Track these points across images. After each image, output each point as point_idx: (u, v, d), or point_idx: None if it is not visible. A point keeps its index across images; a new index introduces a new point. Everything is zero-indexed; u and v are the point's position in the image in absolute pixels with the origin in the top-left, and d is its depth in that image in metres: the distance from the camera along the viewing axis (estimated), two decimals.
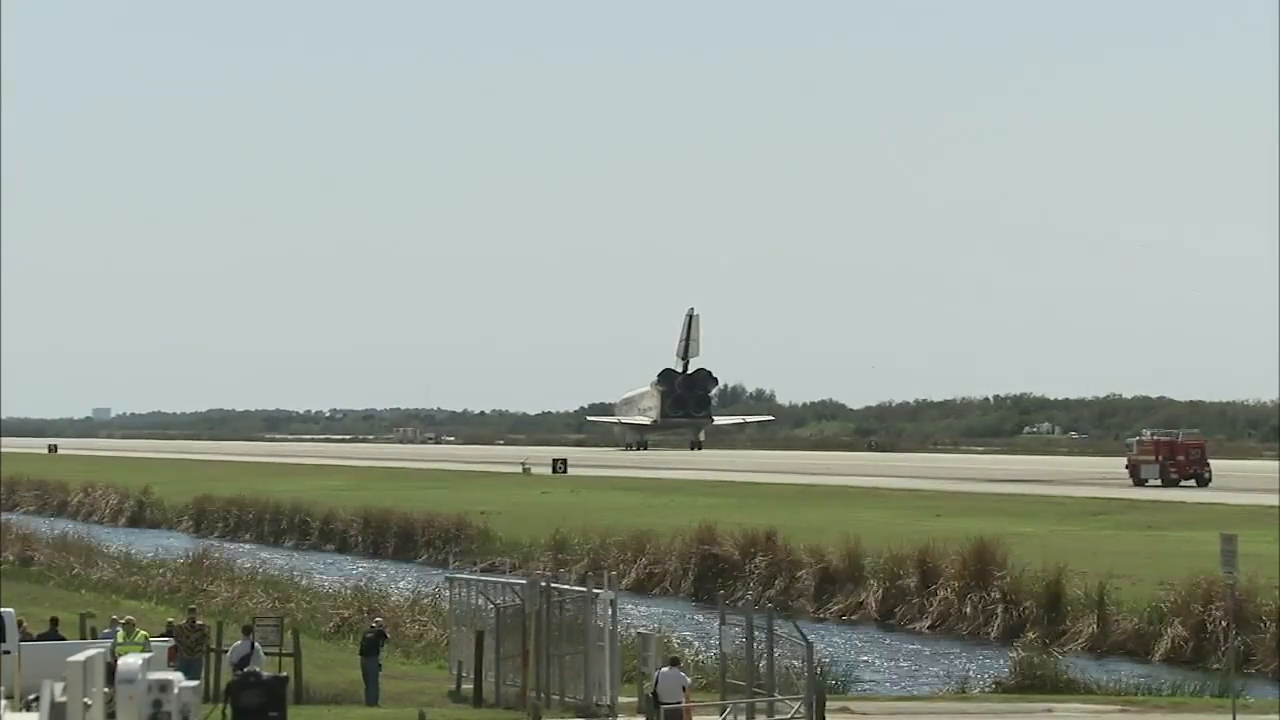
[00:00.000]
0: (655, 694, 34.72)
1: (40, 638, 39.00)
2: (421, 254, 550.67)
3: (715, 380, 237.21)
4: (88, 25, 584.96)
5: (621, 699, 38.65)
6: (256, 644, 41.39)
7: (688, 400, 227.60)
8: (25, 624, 39.54)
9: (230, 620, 51.48)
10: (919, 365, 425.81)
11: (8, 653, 35.07)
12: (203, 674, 40.75)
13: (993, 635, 59.85)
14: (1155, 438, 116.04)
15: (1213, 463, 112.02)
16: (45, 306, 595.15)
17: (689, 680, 36.29)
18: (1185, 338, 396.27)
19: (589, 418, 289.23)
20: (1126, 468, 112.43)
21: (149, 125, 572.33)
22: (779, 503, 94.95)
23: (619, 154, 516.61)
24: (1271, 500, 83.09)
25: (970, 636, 60.93)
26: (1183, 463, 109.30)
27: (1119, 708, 41.66)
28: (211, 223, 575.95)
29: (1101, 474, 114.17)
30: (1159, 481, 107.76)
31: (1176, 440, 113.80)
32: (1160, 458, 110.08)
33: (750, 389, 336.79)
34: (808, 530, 76.64)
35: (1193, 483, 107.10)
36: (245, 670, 24.37)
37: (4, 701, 24.02)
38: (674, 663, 35.91)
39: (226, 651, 42.36)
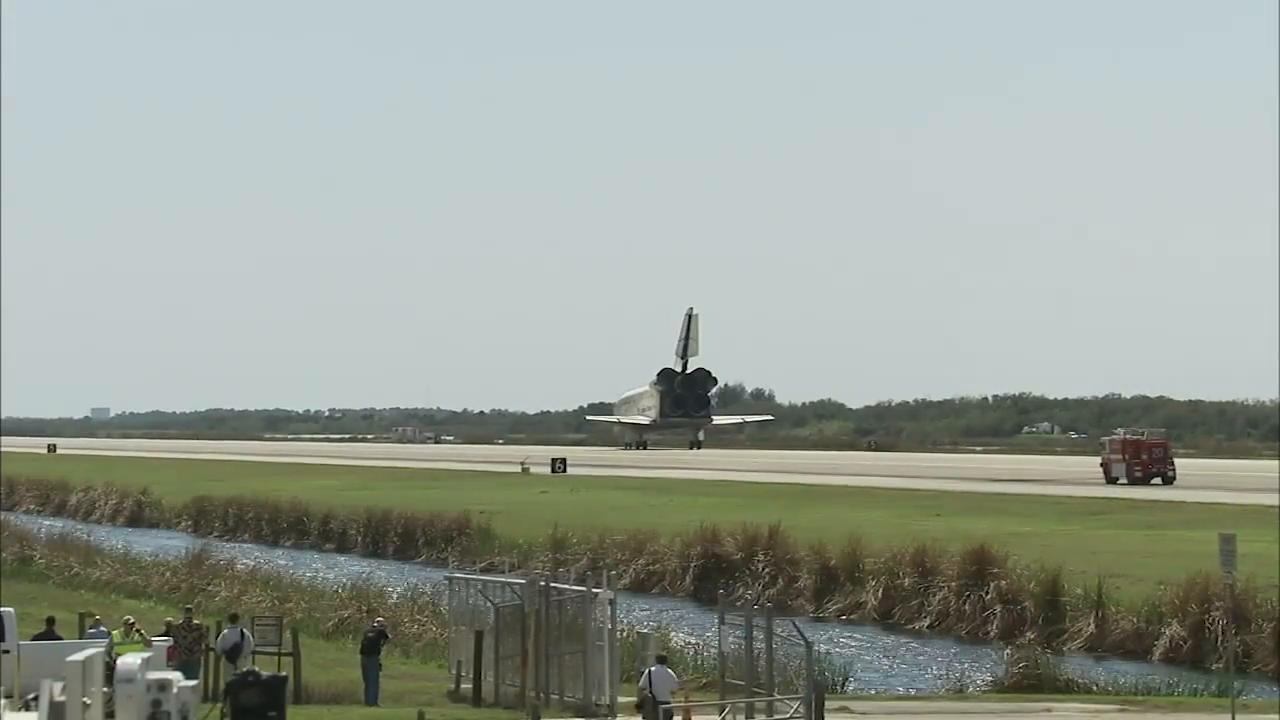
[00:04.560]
0: (652, 693, 34.68)
1: (37, 637, 39.02)
2: (421, 254, 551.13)
3: (715, 380, 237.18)
4: (87, 25, 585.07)
5: (621, 698, 38.65)
6: (246, 631, 41.89)
7: (687, 400, 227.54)
8: None
9: (229, 620, 51.44)
10: (919, 365, 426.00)
11: (7, 652, 35.07)
12: (201, 673, 40.84)
13: (992, 635, 59.84)
14: (1124, 437, 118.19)
15: (1207, 462, 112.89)
16: (45, 306, 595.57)
17: (677, 680, 36.38)
18: (1185, 338, 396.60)
19: (588, 417, 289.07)
20: (1100, 466, 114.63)
21: (149, 126, 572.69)
22: (779, 502, 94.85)
23: (619, 154, 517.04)
24: (1266, 500, 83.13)
25: (969, 636, 60.94)
26: (1146, 461, 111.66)
27: (1118, 707, 41.65)
28: (211, 223, 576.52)
29: (1100, 474, 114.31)
30: (1126, 480, 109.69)
31: (1142, 440, 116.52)
32: (1126, 456, 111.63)
33: (750, 389, 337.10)
34: (807, 530, 76.62)
35: (1159, 480, 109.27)
36: (245, 670, 24.36)
37: (4, 701, 24.04)
38: (662, 660, 35.89)
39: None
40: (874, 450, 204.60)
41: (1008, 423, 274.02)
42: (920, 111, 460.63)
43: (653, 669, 35.23)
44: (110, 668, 20.93)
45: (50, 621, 41.38)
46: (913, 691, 49.52)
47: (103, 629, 40.82)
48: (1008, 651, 50.94)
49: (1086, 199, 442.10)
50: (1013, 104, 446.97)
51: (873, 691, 48.89)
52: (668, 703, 34.44)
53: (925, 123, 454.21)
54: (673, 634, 56.03)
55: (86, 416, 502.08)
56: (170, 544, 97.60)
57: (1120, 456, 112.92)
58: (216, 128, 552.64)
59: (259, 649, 42.72)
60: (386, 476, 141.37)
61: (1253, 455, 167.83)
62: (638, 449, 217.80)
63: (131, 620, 40.28)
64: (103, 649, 24.18)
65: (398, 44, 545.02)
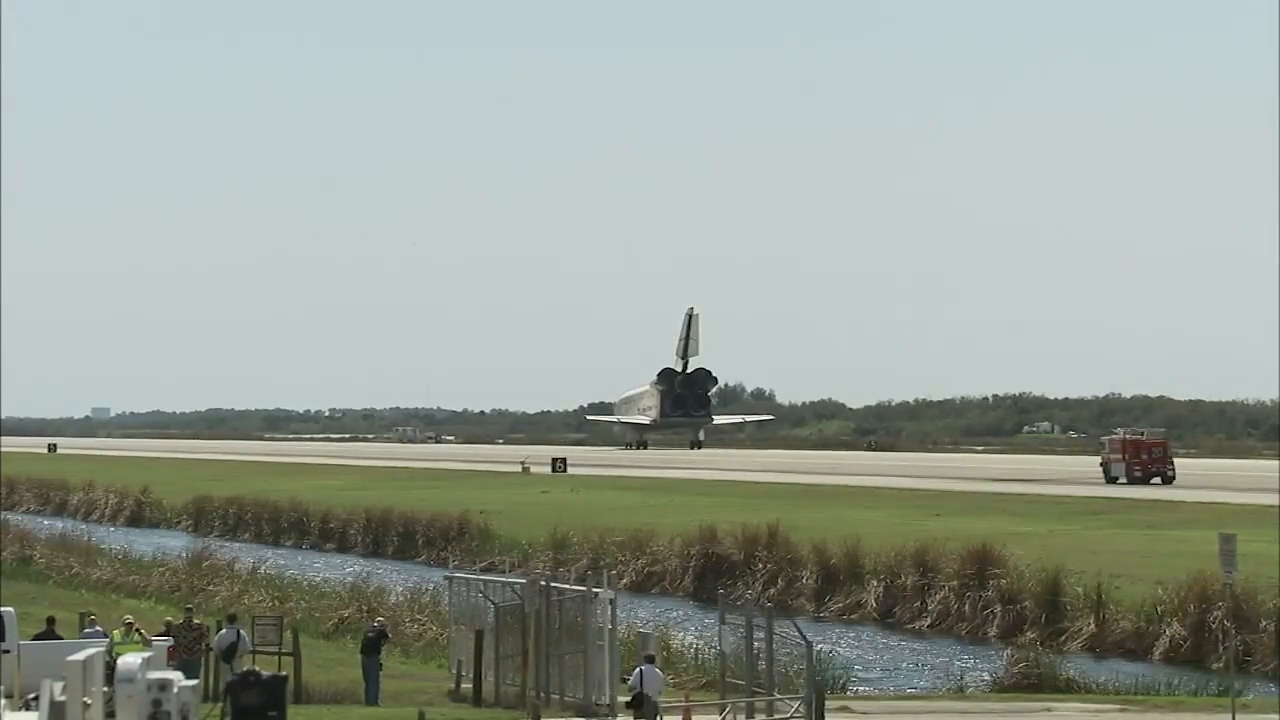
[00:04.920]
0: (644, 693, 34.62)
1: (37, 637, 39.07)
2: (421, 254, 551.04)
3: (715, 379, 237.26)
4: (87, 25, 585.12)
5: (621, 698, 38.64)
6: (242, 631, 42.06)
7: (687, 399, 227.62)
8: None
9: (227, 620, 51.48)
10: (919, 365, 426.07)
11: (7, 652, 35.07)
12: (201, 673, 40.85)
13: (992, 635, 59.86)
14: (1124, 437, 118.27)
15: (1207, 462, 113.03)
16: (45, 306, 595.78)
17: (664, 679, 36.50)
18: (1185, 338, 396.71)
19: (588, 417, 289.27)
20: (1100, 466, 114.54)
21: (149, 125, 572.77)
22: (779, 502, 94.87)
23: (619, 154, 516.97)
24: (1266, 500, 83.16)
25: (969, 636, 60.95)
26: (1146, 461, 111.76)
27: (1118, 707, 41.66)
28: (211, 222, 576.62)
29: (1100, 473, 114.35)
30: (1126, 480, 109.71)
31: (1141, 439, 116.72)
32: (1125, 456, 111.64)
33: (750, 388, 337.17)
34: (808, 530, 76.63)
35: (1159, 480, 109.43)
36: (245, 670, 24.36)
37: (4, 701, 24.02)
38: (650, 660, 35.94)
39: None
40: (874, 450, 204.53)
41: (1008, 422, 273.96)
42: (921, 112, 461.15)
43: (643, 668, 35.24)
44: (110, 668, 20.91)
45: (50, 621, 41.40)
46: (913, 691, 49.52)
47: (98, 629, 40.85)
48: (1008, 651, 50.96)
49: (1086, 199, 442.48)
50: (1013, 104, 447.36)
51: (873, 691, 48.88)
52: (653, 700, 34.50)
53: (925, 123, 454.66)
54: (673, 634, 55.99)
55: (87, 416, 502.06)
56: (170, 544, 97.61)
57: (1120, 456, 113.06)
58: (217, 127, 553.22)
59: (259, 649, 42.75)
60: (387, 476, 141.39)
61: (1253, 455, 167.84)
62: (638, 449, 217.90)
63: (131, 620, 40.30)
64: (103, 649, 24.17)
65: (398, 44, 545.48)
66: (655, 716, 34.39)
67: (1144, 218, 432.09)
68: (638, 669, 35.32)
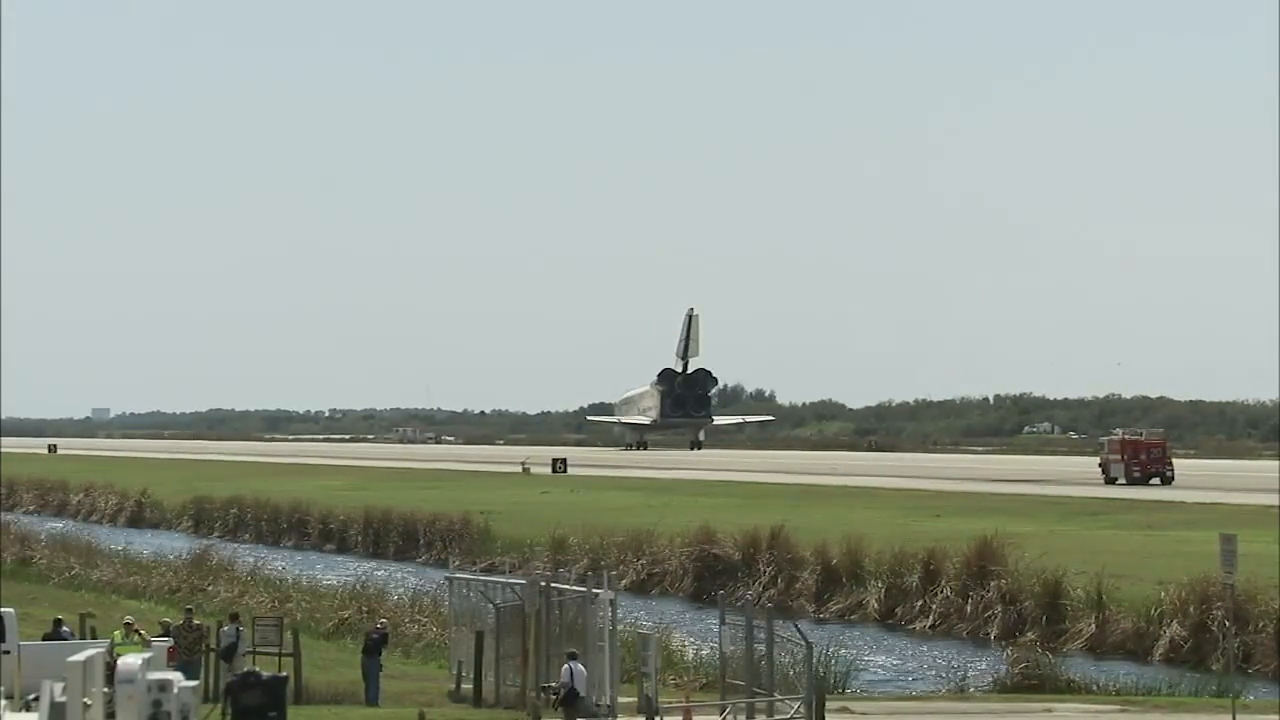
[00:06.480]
0: (574, 689, 34.61)
1: (47, 637, 39.14)
2: (421, 254, 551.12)
3: (715, 380, 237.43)
4: (86, 25, 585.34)
5: (621, 699, 38.65)
6: (241, 629, 42.21)
7: (687, 400, 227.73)
8: None
9: (229, 619, 51.48)
10: (919, 365, 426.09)
11: (8, 653, 35.09)
12: (201, 674, 40.87)
13: (993, 635, 59.86)
14: (1123, 437, 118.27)
15: (1207, 462, 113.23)
16: (45, 306, 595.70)
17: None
18: (1185, 338, 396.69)
19: (589, 418, 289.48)
20: (1099, 467, 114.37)
21: (149, 125, 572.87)
22: (779, 502, 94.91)
23: (619, 154, 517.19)
24: (1266, 500, 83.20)
25: (970, 636, 60.96)
26: (1145, 461, 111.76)
27: (1118, 708, 41.67)
28: (211, 222, 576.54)
29: (1099, 474, 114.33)
30: (1125, 480, 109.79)
31: (1140, 440, 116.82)
32: (1124, 457, 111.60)
33: (750, 389, 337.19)
34: (808, 530, 76.64)
35: (1158, 480, 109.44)
36: (246, 670, 24.36)
37: (4, 701, 24.04)
38: (573, 657, 36.04)
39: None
40: (874, 450, 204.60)
41: (1008, 423, 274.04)
42: (921, 112, 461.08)
43: (571, 665, 35.30)
44: (111, 668, 20.94)
45: (58, 623, 41.43)
46: (913, 691, 49.52)
47: (65, 630, 40.83)
48: (1008, 652, 50.96)
49: (1087, 199, 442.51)
50: (1014, 105, 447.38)
51: (874, 691, 48.87)
52: (583, 696, 34.71)
53: (926, 123, 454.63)
54: (674, 634, 56.00)
55: (87, 417, 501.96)
56: (171, 544, 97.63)
57: (1119, 457, 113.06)
58: (217, 128, 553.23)
59: (260, 649, 42.77)
60: (387, 477, 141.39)
61: (1253, 455, 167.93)
62: (638, 449, 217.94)
63: (131, 621, 40.30)
64: (104, 649, 24.19)
65: (399, 44, 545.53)
66: (589, 715, 34.67)
67: (1145, 218, 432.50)
68: (566, 666, 35.41)
